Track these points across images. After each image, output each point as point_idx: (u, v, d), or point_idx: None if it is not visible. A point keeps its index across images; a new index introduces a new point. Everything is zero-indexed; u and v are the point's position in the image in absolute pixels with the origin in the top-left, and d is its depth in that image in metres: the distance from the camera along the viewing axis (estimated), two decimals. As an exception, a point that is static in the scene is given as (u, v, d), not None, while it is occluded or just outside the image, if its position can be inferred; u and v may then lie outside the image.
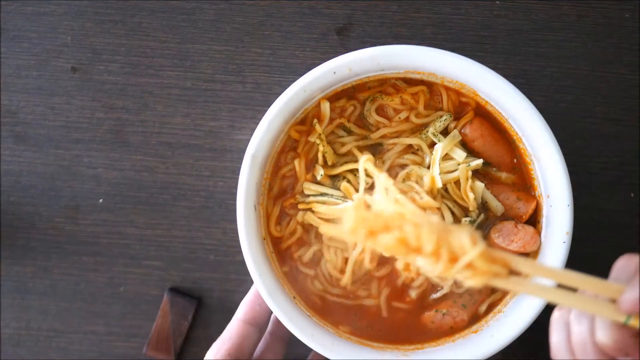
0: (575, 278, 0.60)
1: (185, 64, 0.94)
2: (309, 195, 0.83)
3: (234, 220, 0.80)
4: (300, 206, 0.82)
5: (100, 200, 0.95)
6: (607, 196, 0.93)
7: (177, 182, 0.94)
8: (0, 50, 0.95)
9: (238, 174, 0.79)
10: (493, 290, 0.83)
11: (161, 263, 0.94)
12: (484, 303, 0.82)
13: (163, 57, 0.95)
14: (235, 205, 0.79)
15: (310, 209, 0.82)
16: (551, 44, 0.94)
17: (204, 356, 0.94)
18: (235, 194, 0.79)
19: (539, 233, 0.81)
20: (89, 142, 0.95)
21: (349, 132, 0.84)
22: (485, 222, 0.83)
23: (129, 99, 0.95)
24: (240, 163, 0.79)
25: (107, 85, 0.95)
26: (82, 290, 0.94)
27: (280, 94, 0.79)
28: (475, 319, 0.82)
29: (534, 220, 0.82)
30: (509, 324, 0.78)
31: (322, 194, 0.82)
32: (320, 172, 0.82)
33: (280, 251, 0.83)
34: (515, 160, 0.84)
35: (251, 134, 0.80)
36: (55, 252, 0.95)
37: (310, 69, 0.79)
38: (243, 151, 0.79)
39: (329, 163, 0.83)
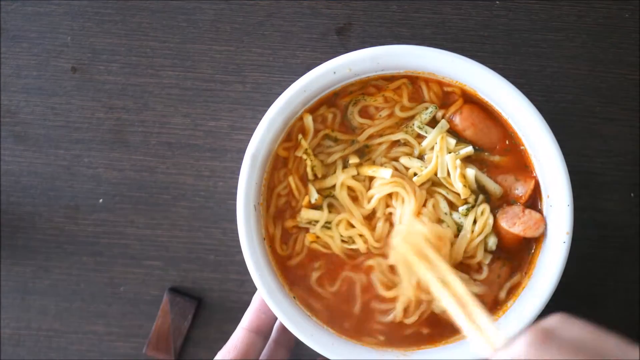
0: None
1: (185, 64, 0.94)
2: (310, 222, 0.83)
3: (234, 220, 0.80)
4: (309, 237, 0.82)
5: (100, 200, 0.94)
6: (607, 196, 0.93)
7: (177, 182, 0.94)
8: (0, 50, 0.95)
9: (238, 174, 0.79)
10: (511, 275, 0.82)
11: (161, 263, 0.94)
12: (503, 289, 0.82)
13: (163, 57, 0.95)
14: (235, 205, 0.79)
15: (316, 240, 0.83)
16: (551, 44, 0.94)
17: (204, 356, 0.94)
18: (235, 194, 0.79)
19: (544, 221, 0.81)
20: (89, 142, 0.95)
21: (335, 141, 0.84)
22: (489, 203, 0.82)
23: (129, 99, 0.95)
24: (240, 163, 0.79)
25: (107, 85, 0.95)
26: (82, 290, 0.94)
27: (280, 94, 0.79)
28: (496, 305, 0.82)
29: (535, 201, 0.82)
30: (509, 324, 0.78)
31: (317, 222, 0.82)
32: (314, 196, 0.82)
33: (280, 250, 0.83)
34: (507, 142, 0.83)
35: (251, 134, 0.80)
36: (55, 252, 0.95)
37: (310, 69, 0.79)
38: (243, 151, 0.79)
39: (319, 175, 0.83)
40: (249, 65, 0.94)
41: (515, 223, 0.80)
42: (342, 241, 0.82)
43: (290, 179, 0.82)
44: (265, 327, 0.81)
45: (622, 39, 0.93)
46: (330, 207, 0.83)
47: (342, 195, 0.82)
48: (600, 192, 0.93)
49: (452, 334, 0.82)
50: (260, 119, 0.79)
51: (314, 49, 0.94)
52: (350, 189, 0.83)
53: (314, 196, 0.82)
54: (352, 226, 0.82)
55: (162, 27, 0.95)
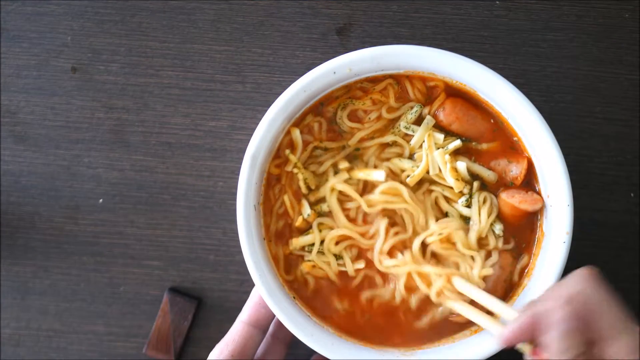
0: (490, 302, 0.75)
1: (185, 64, 0.94)
2: (303, 248, 0.83)
3: (234, 220, 0.80)
4: (305, 267, 0.82)
5: (100, 200, 0.95)
6: (607, 196, 0.93)
7: (177, 182, 0.94)
8: (0, 50, 0.95)
9: (238, 174, 0.79)
10: (519, 258, 0.83)
11: (161, 263, 0.94)
12: (514, 273, 0.82)
13: (163, 57, 0.95)
14: (235, 205, 0.79)
15: (312, 269, 0.83)
16: (551, 44, 0.94)
17: (204, 356, 0.94)
18: (235, 194, 0.79)
19: (542, 201, 0.81)
20: (89, 142, 0.95)
21: (325, 150, 0.84)
22: (486, 190, 0.83)
23: (129, 99, 0.95)
24: (240, 163, 0.79)
25: (107, 85, 0.95)
26: (82, 290, 0.94)
27: (280, 94, 0.79)
28: (511, 288, 0.83)
29: (531, 181, 0.82)
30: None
31: (310, 246, 0.82)
32: (307, 212, 0.82)
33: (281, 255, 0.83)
34: (492, 121, 0.83)
35: (251, 134, 0.80)
36: (55, 252, 0.94)
37: (310, 69, 0.79)
38: (243, 151, 0.79)
39: (312, 187, 0.83)
40: (249, 65, 0.94)
41: (514, 196, 0.81)
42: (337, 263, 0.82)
43: (285, 197, 0.82)
44: (264, 321, 0.81)
45: (622, 39, 0.93)
46: (321, 225, 0.82)
47: (331, 201, 0.82)
48: (600, 192, 0.93)
49: (452, 333, 0.82)
50: (260, 119, 0.79)
51: (314, 49, 0.94)
52: (341, 194, 0.82)
53: (307, 212, 0.82)
54: (341, 240, 0.82)
55: (162, 27, 0.95)
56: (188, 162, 0.94)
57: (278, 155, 0.83)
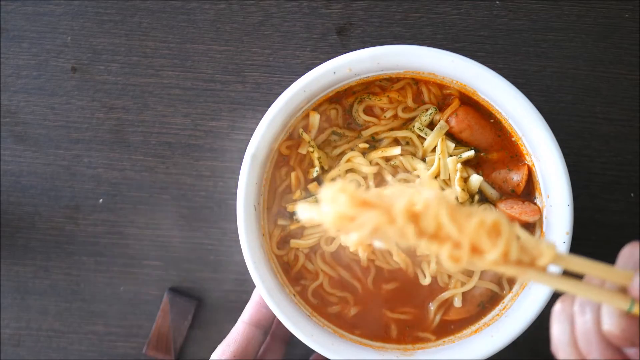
0: (582, 263, 0.58)
1: (185, 64, 0.94)
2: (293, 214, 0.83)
3: (234, 220, 0.80)
4: (292, 226, 0.83)
5: (100, 200, 0.95)
6: (607, 196, 0.93)
7: (177, 182, 0.94)
8: (0, 50, 0.95)
9: (238, 174, 0.79)
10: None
11: (161, 263, 0.94)
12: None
13: (163, 57, 0.95)
14: (235, 205, 0.79)
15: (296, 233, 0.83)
16: (551, 44, 0.94)
17: (204, 356, 0.94)
18: (235, 194, 0.79)
19: (540, 212, 0.81)
20: (89, 142, 0.95)
21: (341, 137, 0.84)
22: (486, 201, 0.83)
23: (129, 99, 0.95)
24: (240, 163, 0.79)
25: (107, 85, 0.95)
26: (82, 290, 0.94)
27: (280, 94, 0.79)
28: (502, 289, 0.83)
29: (532, 190, 0.82)
30: (509, 324, 0.78)
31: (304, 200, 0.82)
32: (315, 169, 0.82)
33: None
34: (499, 137, 0.83)
35: (251, 134, 0.80)
36: (55, 252, 0.94)
37: (310, 69, 0.79)
38: (243, 151, 0.79)
39: (326, 167, 0.83)
40: (249, 65, 0.94)
41: (514, 207, 0.81)
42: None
43: (293, 174, 0.82)
44: (266, 321, 0.81)
45: (622, 39, 0.93)
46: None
47: (345, 173, 0.82)
48: (600, 192, 0.93)
49: (453, 332, 0.82)
50: (260, 119, 0.79)
51: (314, 49, 0.94)
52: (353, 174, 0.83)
53: (316, 169, 0.82)
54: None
55: (162, 27, 0.95)
56: (188, 162, 0.94)
57: (291, 137, 0.83)
